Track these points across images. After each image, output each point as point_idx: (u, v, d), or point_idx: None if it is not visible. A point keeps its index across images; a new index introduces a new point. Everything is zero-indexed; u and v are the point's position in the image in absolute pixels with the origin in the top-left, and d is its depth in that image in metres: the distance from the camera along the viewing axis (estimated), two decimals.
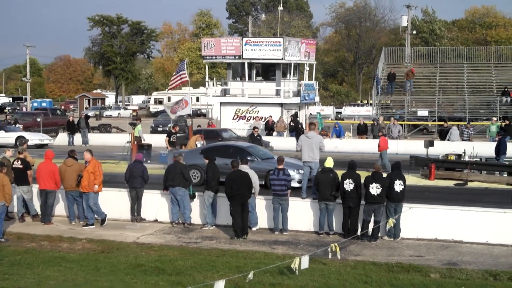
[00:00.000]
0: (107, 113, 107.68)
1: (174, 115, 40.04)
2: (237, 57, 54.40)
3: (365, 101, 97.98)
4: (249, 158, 27.75)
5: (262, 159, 29.61)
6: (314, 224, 23.29)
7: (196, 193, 24.59)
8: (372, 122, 52.67)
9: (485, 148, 38.92)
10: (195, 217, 24.51)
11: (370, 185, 21.77)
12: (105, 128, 64.96)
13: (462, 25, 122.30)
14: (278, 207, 23.03)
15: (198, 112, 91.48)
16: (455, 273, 18.09)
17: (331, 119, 74.85)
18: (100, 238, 22.29)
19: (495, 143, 36.71)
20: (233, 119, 54.47)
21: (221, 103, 56.01)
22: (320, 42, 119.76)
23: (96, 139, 54.28)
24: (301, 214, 23.60)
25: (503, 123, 48.05)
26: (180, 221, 24.38)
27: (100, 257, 19.76)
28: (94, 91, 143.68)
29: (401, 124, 54.60)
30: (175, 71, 43.06)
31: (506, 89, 61.75)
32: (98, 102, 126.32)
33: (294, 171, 27.95)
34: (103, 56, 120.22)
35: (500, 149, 34.53)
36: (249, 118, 53.93)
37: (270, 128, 50.52)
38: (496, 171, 33.37)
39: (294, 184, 26.53)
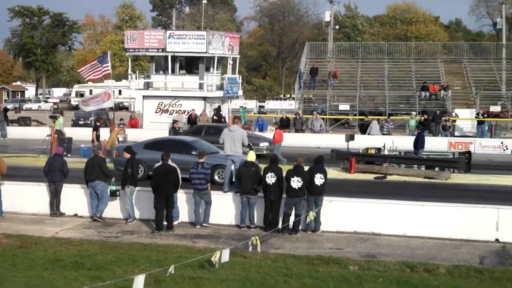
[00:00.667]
0: (27, 106, 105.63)
1: (87, 108, 39.60)
2: (160, 50, 54.08)
3: (288, 95, 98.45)
4: (193, 153, 27.91)
5: (208, 154, 28.93)
6: (235, 217, 23.31)
7: (118, 191, 24.26)
8: (294, 116, 53.03)
9: (404, 142, 39.51)
10: (116, 211, 24.30)
11: (291, 178, 21.88)
12: (24, 121, 63.65)
13: (383, 21, 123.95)
14: (199, 200, 22.99)
15: (121, 105, 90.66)
16: (373, 265, 18.33)
17: (254, 113, 75.02)
18: (18, 233, 21.87)
19: (414, 137, 37.29)
20: (155, 112, 54.11)
21: (143, 96, 55.63)
22: (243, 36, 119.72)
23: (15, 132, 53.23)
24: (223, 207, 23.56)
25: (422, 118, 48.92)
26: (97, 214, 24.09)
27: (18, 253, 19.38)
28: (14, 84, 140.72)
29: (323, 118, 55.13)
30: (96, 60, 42.43)
31: (425, 84, 62.90)
32: (18, 95, 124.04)
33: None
34: (23, 47, 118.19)
35: (419, 143, 35.14)
36: (171, 111, 53.65)
37: (192, 121, 50.36)
38: (414, 165, 33.99)
39: None
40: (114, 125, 39.49)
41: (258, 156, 23.32)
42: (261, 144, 38.88)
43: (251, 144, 37.93)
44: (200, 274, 16.97)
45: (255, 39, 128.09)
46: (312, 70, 66.00)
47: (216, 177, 28.40)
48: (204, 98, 53.79)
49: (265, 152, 37.10)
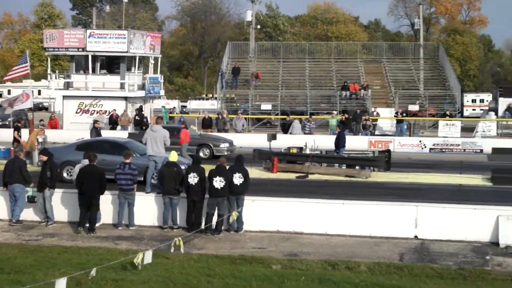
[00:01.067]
0: None
1: (12, 109, 38.97)
2: (80, 50, 53.42)
3: (210, 95, 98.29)
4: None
5: (141, 154, 28.61)
6: (158, 218, 23.15)
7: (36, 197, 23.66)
8: (216, 116, 53.02)
9: (326, 141, 39.94)
10: (36, 214, 23.82)
11: (214, 178, 21.85)
12: None
13: (304, 21, 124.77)
14: (124, 201, 22.75)
15: (40, 105, 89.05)
16: (296, 264, 18.47)
17: (177, 113, 74.72)
18: None
19: (335, 136, 37.67)
20: (76, 113, 53.41)
21: (64, 96, 54.88)
22: (165, 35, 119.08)
23: None
24: (145, 208, 23.34)
25: (343, 117, 49.49)
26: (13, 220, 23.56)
27: None
28: None
29: (246, 118, 55.25)
30: (18, 63, 41.85)
31: (345, 84, 63.63)
32: None
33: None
34: None
35: (340, 142, 35.52)
36: (92, 112, 53.04)
37: (114, 122, 49.91)
38: (335, 164, 34.34)
39: None
40: (33, 126, 38.80)
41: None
42: (222, 145, 39.11)
43: (211, 145, 38.07)
44: (123, 276, 16.83)
45: (176, 38, 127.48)
46: (234, 70, 66.12)
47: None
48: (126, 98, 53.37)
49: (225, 153, 37.09)
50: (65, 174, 29.24)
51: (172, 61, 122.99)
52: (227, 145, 39.48)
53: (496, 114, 60.45)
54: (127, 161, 22.93)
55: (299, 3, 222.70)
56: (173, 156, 23.30)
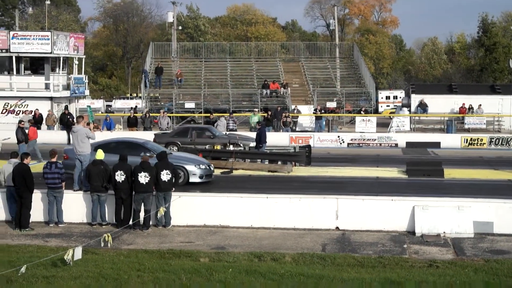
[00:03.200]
0: None
1: None
2: (4, 51, 52.34)
3: (135, 94, 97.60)
4: (147, 154, 26.73)
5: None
6: (87, 215, 22.87)
7: None
8: (141, 114, 52.73)
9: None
10: None
11: (139, 174, 21.80)
12: None
13: (224, 22, 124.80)
14: (53, 200, 22.39)
15: None
16: (223, 256, 18.48)
17: (102, 112, 73.96)
18: None
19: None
20: (1, 113, 52.36)
21: None
22: (88, 36, 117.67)
23: None
24: (74, 206, 23.00)
25: (265, 114, 49.72)
26: None
27: None
28: None
29: (170, 116, 54.98)
30: None
31: (265, 82, 63.83)
32: None
33: (195, 166, 27.93)
34: None
35: (261, 139, 35.66)
36: (18, 112, 52.07)
37: (37, 121, 49.03)
38: (258, 159, 34.51)
39: (195, 179, 27.41)
40: None
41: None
42: (251, 144, 38.24)
43: (239, 144, 37.80)
44: (53, 272, 16.54)
45: (100, 39, 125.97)
46: (158, 70, 65.80)
47: None
48: (51, 98, 52.70)
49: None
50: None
51: (96, 61, 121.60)
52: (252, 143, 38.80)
53: (409, 110, 61.55)
54: (53, 160, 22.55)
55: (219, 4, 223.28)
56: (100, 155, 23.03)
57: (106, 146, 28.75)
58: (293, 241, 20.50)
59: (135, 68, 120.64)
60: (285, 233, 21.44)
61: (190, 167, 27.74)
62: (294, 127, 53.21)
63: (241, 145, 37.72)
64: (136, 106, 50.84)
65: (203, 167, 28.15)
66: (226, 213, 22.48)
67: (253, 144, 38.16)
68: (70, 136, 26.47)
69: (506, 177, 31.71)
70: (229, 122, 48.37)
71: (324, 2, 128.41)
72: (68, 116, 47.77)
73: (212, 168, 28.87)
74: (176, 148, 37.55)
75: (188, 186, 26.40)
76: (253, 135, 42.14)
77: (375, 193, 25.35)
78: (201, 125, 43.49)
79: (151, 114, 52.17)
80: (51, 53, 52.22)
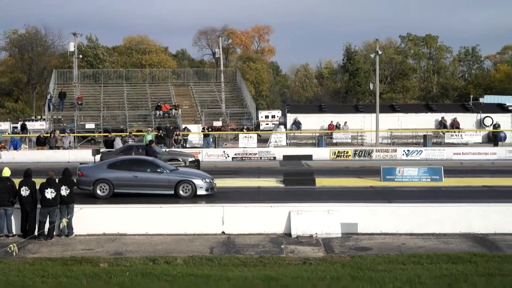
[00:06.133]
0: None
1: None
2: None
3: (39, 117, 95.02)
4: (158, 170, 27.21)
5: (170, 170, 28.02)
6: None
7: None
8: (47, 135, 51.59)
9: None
10: None
11: (45, 190, 21.26)
12: None
13: (121, 51, 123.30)
14: None
15: None
16: (121, 261, 18.14)
17: (8, 133, 71.62)
18: None
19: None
20: None
21: None
22: None
23: None
24: None
25: (159, 133, 49.37)
26: None
27: None
28: None
29: (73, 136, 53.99)
30: None
31: (159, 104, 63.53)
32: None
33: (201, 180, 27.54)
34: None
35: (150, 155, 35.15)
36: None
37: None
38: None
39: (202, 192, 27.19)
40: None
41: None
42: (190, 159, 38.55)
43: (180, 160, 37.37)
44: None
45: (6, 67, 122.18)
46: (61, 94, 64.71)
47: (180, 192, 27.37)
48: None
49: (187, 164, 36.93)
50: (98, 191, 27.42)
51: (2, 87, 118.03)
52: (191, 158, 39.04)
53: (285, 127, 62.39)
54: None
55: (116, 35, 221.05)
56: (6, 172, 22.29)
57: (119, 162, 28.43)
58: (184, 245, 20.36)
59: (40, 92, 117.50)
60: (177, 239, 21.27)
61: (197, 181, 27.47)
62: (184, 144, 53.08)
63: (181, 160, 37.34)
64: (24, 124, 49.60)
65: (208, 181, 27.84)
66: (124, 222, 22.09)
67: (191, 159, 38.16)
68: None
69: (369, 184, 32.54)
70: (129, 140, 47.81)
71: (210, 33, 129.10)
72: None
73: (214, 182, 28.45)
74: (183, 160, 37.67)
75: (87, 199, 25.86)
76: (190, 150, 42.40)
77: (256, 200, 25.52)
78: (141, 144, 42.97)
79: (60, 134, 51.01)
80: None
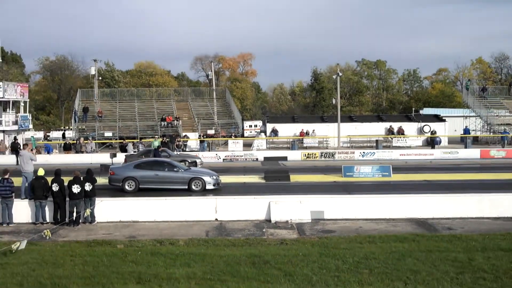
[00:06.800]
0: None
1: None
2: None
3: (67, 127, 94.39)
4: (175, 170, 27.07)
5: (184, 169, 27.83)
6: (31, 217, 21.88)
7: None
8: (73, 141, 51.27)
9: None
10: None
11: (72, 186, 21.15)
12: None
13: (133, 73, 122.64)
14: (5, 206, 21.32)
15: None
16: (134, 243, 18.08)
17: (42, 140, 71.03)
18: None
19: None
20: None
21: None
22: (32, 85, 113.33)
23: None
24: (22, 210, 21.97)
25: (163, 139, 49.20)
26: None
27: None
28: None
29: (94, 142, 53.71)
30: None
31: (163, 117, 63.32)
32: None
33: (209, 177, 27.36)
34: None
35: (156, 156, 35.03)
36: None
37: None
38: None
39: (210, 187, 27.01)
40: None
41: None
42: (198, 161, 38.63)
43: (188, 161, 37.05)
44: (6, 260, 15.73)
45: (40, 87, 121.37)
46: (84, 109, 64.42)
47: (193, 187, 27.18)
48: (3, 131, 50.63)
49: (199, 166, 36.36)
50: (126, 187, 27.22)
51: (37, 103, 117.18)
52: (199, 160, 39.13)
53: (265, 134, 62.40)
54: (6, 176, 21.51)
55: (129, 61, 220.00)
56: (41, 172, 22.16)
57: (143, 163, 28.26)
58: (185, 230, 20.33)
59: (67, 108, 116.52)
60: (179, 224, 21.23)
61: (206, 178, 27.32)
62: (184, 149, 52.86)
63: (189, 161, 37.26)
64: (15, 137, 49.96)
65: (215, 178, 27.71)
66: (136, 212, 22.05)
67: (198, 160, 38.06)
68: (18, 159, 25.29)
69: (332, 179, 32.61)
70: (139, 146, 47.60)
71: (204, 59, 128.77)
72: (17, 144, 45.78)
73: (220, 179, 28.32)
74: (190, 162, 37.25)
75: (108, 193, 25.71)
76: (195, 154, 42.86)
77: (243, 193, 25.50)
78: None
79: (84, 141, 50.69)
80: (3, 97, 50.16)
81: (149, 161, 29.27)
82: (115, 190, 27.12)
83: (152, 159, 31.44)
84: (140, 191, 26.82)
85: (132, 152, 45.59)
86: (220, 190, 27.51)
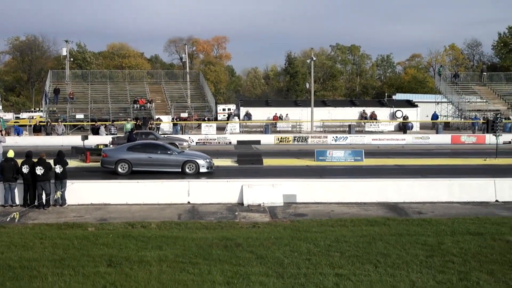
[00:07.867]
0: None
1: None
2: None
3: (38, 109, 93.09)
4: (168, 152, 26.89)
5: (178, 152, 27.73)
6: (0, 199, 21.53)
7: None
8: (45, 123, 50.63)
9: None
10: None
11: (36, 167, 20.89)
12: None
13: (105, 55, 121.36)
14: None
15: None
16: (105, 226, 17.97)
17: (12, 122, 70.02)
18: None
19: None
20: None
21: None
22: (1, 65, 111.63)
23: None
24: None
25: (136, 122, 48.79)
26: None
27: None
28: None
29: (65, 125, 53.06)
30: None
31: (136, 99, 62.79)
32: None
33: (203, 160, 27.27)
34: None
35: (130, 140, 34.70)
36: None
37: None
38: None
39: (204, 170, 27.06)
40: None
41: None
42: (184, 144, 38.54)
43: (176, 144, 36.22)
44: None
45: (10, 68, 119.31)
46: (55, 90, 63.40)
47: (186, 170, 27.12)
48: None
49: (187, 149, 35.52)
50: (119, 169, 27.10)
51: (7, 84, 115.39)
52: (186, 143, 38.97)
53: (239, 118, 62.32)
54: None
55: (101, 42, 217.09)
56: (10, 153, 21.82)
57: (136, 146, 28.00)
58: (157, 213, 20.24)
59: (38, 89, 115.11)
60: (151, 207, 21.12)
61: (200, 161, 27.24)
62: (157, 132, 52.51)
63: (177, 143, 36.93)
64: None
65: (208, 161, 27.61)
66: (108, 194, 21.86)
67: (186, 144, 37.89)
68: None
69: (305, 164, 32.77)
70: (111, 128, 47.16)
71: (178, 42, 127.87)
72: None
73: (213, 162, 28.22)
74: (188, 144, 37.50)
75: (78, 176, 25.46)
76: (184, 136, 42.15)
77: (215, 176, 25.47)
78: (146, 131, 42.07)
79: (52, 123, 49.99)
80: None
81: (142, 143, 29.09)
82: (88, 172, 26.89)
83: (145, 141, 31.28)
84: (133, 174, 26.62)
85: (104, 135, 45.29)
86: (213, 173, 27.48)
